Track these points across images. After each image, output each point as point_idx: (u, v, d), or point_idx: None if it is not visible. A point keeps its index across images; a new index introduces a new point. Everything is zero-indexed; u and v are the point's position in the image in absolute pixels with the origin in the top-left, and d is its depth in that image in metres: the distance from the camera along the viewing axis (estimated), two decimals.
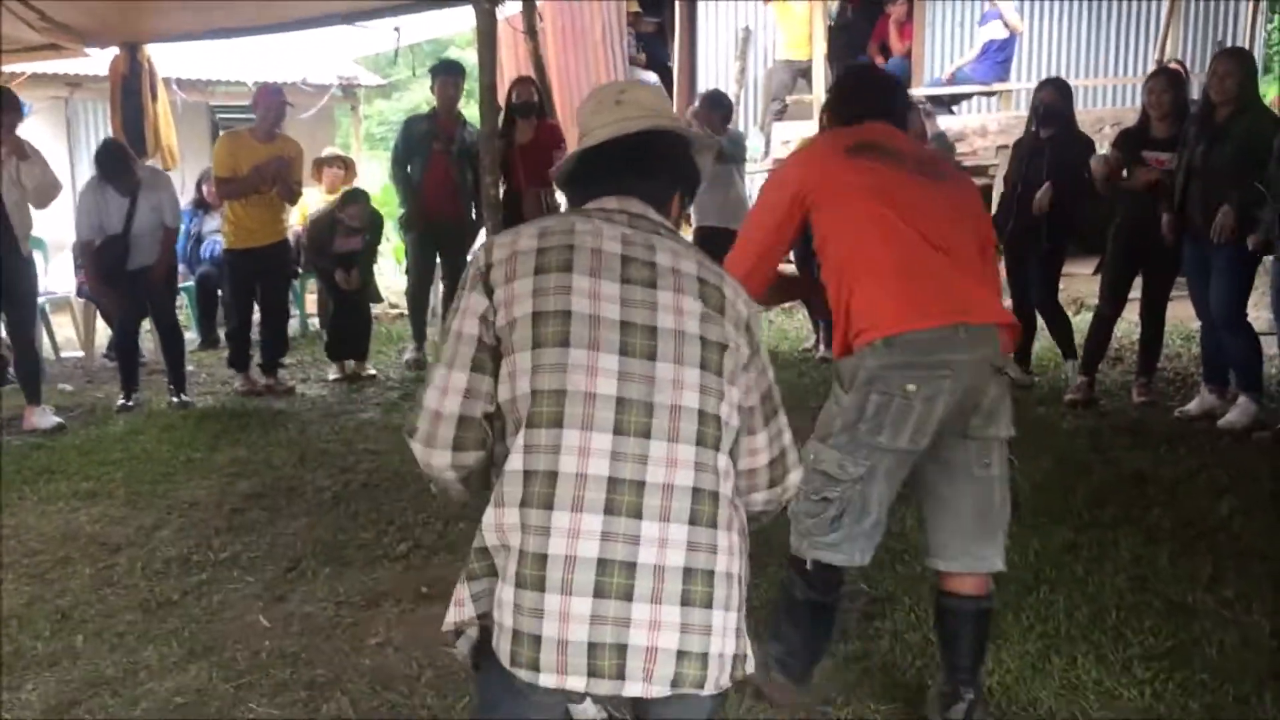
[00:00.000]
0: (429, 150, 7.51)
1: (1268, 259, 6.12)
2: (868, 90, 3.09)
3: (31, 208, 6.29)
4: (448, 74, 7.75)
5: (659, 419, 1.75)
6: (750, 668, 1.84)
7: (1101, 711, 2.93)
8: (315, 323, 8.97)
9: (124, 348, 6.90)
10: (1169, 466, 4.97)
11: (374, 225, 7.61)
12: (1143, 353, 6.27)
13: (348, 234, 7.39)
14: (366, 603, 3.81)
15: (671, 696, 1.74)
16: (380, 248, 7.90)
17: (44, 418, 6.28)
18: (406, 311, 8.26)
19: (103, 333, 8.51)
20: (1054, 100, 6.38)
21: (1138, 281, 6.15)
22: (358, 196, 7.63)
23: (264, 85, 7.39)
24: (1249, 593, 3.62)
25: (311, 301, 9.19)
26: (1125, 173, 5.95)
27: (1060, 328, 6.58)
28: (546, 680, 1.71)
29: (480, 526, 1.79)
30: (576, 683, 1.71)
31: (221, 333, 8.09)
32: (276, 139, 7.02)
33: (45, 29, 7.18)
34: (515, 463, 1.75)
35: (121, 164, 6.61)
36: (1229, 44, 10.53)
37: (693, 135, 2.09)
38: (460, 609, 1.83)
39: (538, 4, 8.54)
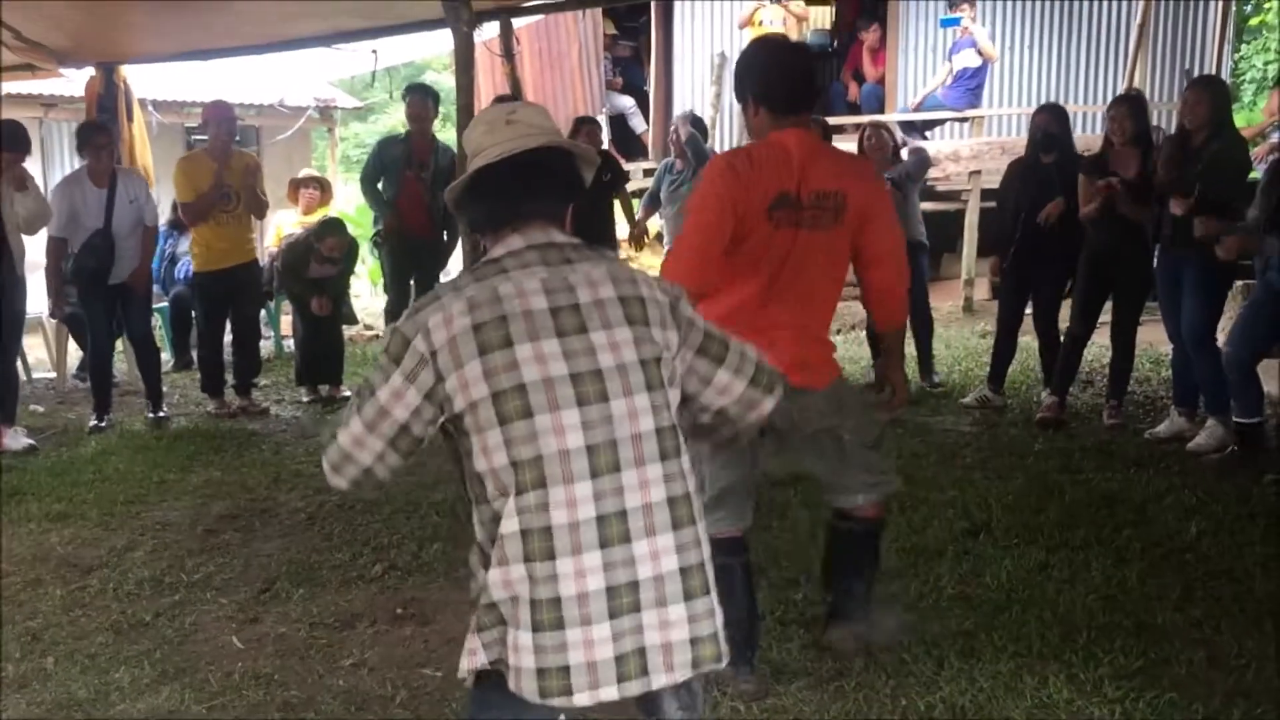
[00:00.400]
0: (401, 175, 7.54)
1: (1238, 283, 6.24)
2: (802, 79, 3.18)
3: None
4: (422, 94, 7.80)
5: (624, 451, 1.94)
6: (721, 651, 2.04)
7: None
8: (290, 344, 8.94)
9: (99, 367, 6.86)
10: (1138, 488, 5.02)
11: (349, 254, 7.63)
12: (1113, 376, 6.34)
13: (323, 262, 7.39)
14: (341, 624, 3.80)
15: (678, 686, 2.00)
16: (354, 272, 7.89)
17: (15, 439, 6.24)
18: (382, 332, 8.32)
19: (74, 354, 8.46)
20: (1052, 125, 6.45)
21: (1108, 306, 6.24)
22: (335, 229, 7.61)
23: (212, 104, 7.38)
24: (1217, 613, 3.66)
25: (287, 323, 9.16)
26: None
27: (1053, 353, 6.56)
28: (581, 700, 1.91)
29: (484, 586, 1.96)
30: (609, 694, 1.92)
31: (195, 354, 8.05)
32: (233, 156, 7.03)
33: (19, 48, 7.16)
34: (511, 525, 1.92)
35: (104, 132, 6.74)
36: (1196, 72, 10.71)
37: (577, 149, 2.17)
38: (474, 658, 1.99)
39: (515, 28, 8.57)
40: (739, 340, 2.19)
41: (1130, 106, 6.18)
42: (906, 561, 4.15)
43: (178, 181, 7.00)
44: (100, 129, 6.98)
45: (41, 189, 7.32)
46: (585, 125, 8.17)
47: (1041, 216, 6.26)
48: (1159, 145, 6.05)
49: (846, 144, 9.67)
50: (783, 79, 3.12)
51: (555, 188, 2.10)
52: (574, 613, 1.90)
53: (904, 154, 7.34)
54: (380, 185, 7.56)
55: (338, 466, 2.05)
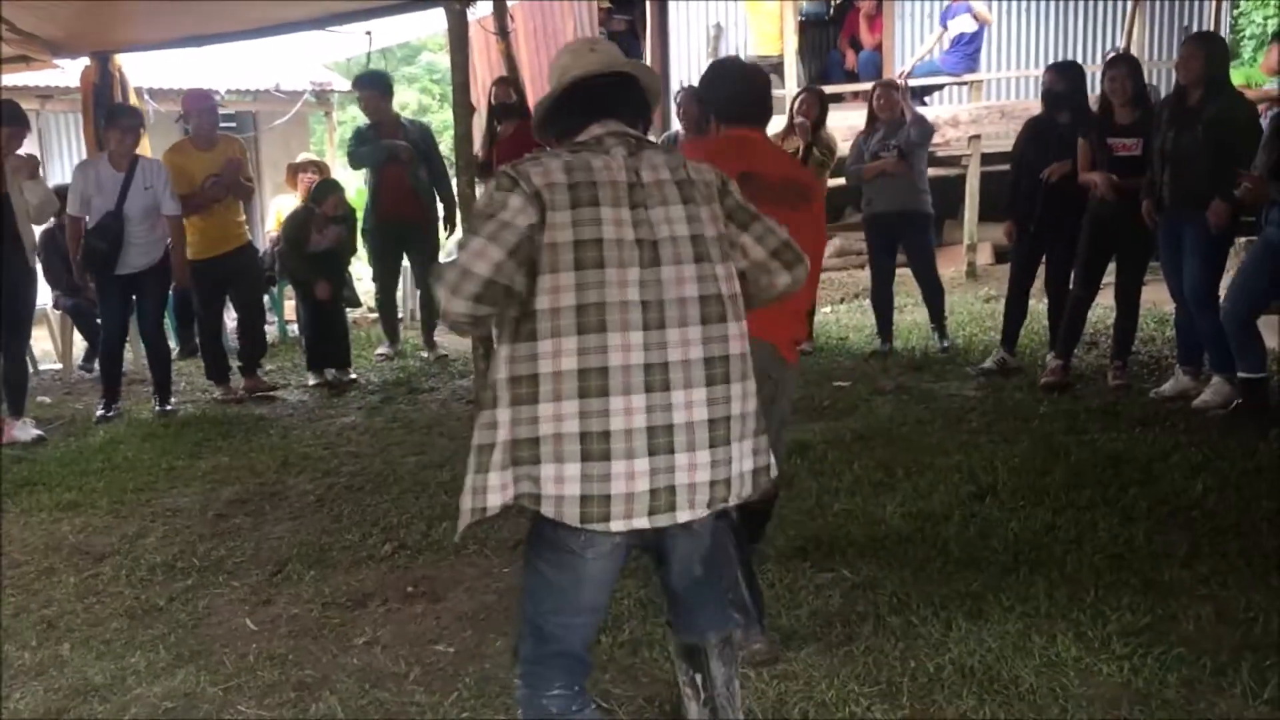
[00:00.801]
0: (378, 157, 7.60)
1: (1239, 240, 6.22)
2: (756, 101, 3.44)
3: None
4: (369, 87, 7.83)
5: (669, 311, 2.23)
6: (773, 473, 2.40)
7: (1081, 688, 2.97)
8: (294, 329, 8.96)
9: (109, 356, 6.86)
10: (1144, 447, 5.03)
11: (349, 219, 7.60)
12: (1117, 336, 6.33)
13: (323, 227, 7.36)
14: (353, 603, 3.82)
15: (691, 523, 2.27)
16: (356, 250, 7.88)
17: (24, 430, 6.26)
18: None
19: (79, 345, 8.49)
20: (1058, 82, 6.43)
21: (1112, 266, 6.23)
22: (334, 187, 7.64)
23: (191, 92, 7.36)
24: (1224, 568, 3.67)
25: (290, 308, 9.18)
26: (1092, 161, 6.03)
27: (1061, 315, 6.51)
28: (618, 526, 2.18)
29: (510, 423, 2.17)
30: (641, 522, 2.20)
31: (198, 342, 8.07)
32: (219, 142, 7.03)
33: (13, 40, 7.14)
34: (570, 364, 2.16)
35: (132, 115, 6.81)
36: (1195, 30, 10.64)
37: (647, 79, 2.51)
38: (500, 493, 2.20)
39: (509, 5, 8.54)
40: (773, 220, 2.47)
41: (1128, 66, 6.16)
42: (913, 526, 4.17)
43: (170, 174, 6.99)
44: (130, 111, 6.99)
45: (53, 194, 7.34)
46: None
47: (1044, 174, 6.24)
48: (1157, 105, 6.01)
49: (845, 112, 9.67)
50: (736, 99, 3.42)
51: (631, 100, 2.45)
52: (620, 446, 2.16)
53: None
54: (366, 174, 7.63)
55: (456, 287, 2.16)
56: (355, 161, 7.94)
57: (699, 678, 2.56)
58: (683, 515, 2.23)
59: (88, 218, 6.57)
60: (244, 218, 7.33)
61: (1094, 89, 10.29)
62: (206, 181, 6.85)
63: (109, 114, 6.94)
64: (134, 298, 6.79)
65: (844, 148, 7.70)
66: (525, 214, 2.19)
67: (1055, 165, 6.23)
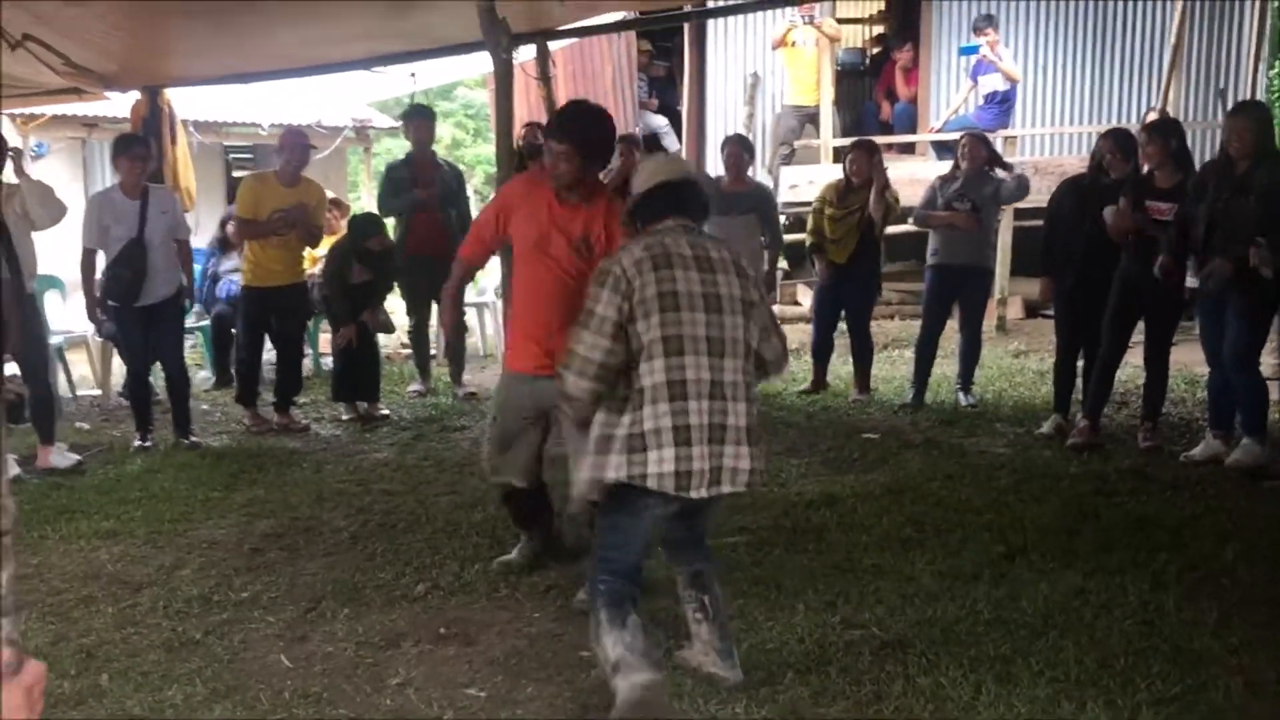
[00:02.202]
0: (411, 194, 7.72)
1: None
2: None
3: (35, 240, 6.38)
4: (421, 117, 7.97)
5: (729, 347, 3.21)
6: (763, 476, 3.33)
7: None
8: (328, 362, 9.06)
9: (137, 391, 6.95)
10: (1174, 511, 5.04)
11: (389, 254, 7.70)
12: (1147, 397, 6.35)
13: (366, 261, 7.42)
14: (386, 643, 3.87)
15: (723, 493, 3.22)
16: (393, 285, 7.97)
17: (61, 457, 6.34)
18: None
19: (118, 371, 8.60)
20: (1116, 150, 6.35)
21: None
22: (375, 222, 7.72)
23: (289, 129, 7.53)
24: (1254, 639, 3.67)
25: (325, 341, 9.28)
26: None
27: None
28: (697, 493, 3.15)
29: (629, 423, 3.13)
30: (702, 492, 3.15)
31: (234, 371, 8.18)
32: (300, 183, 7.16)
33: (67, 73, 7.31)
34: (660, 377, 3.13)
35: (142, 144, 6.84)
36: (1230, 91, 10.69)
37: (707, 186, 3.46)
38: (615, 471, 3.14)
39: (550, 50, 8.67)
40: (780, 329, 3.45)
41: (1159, 130, 6.20)
42: (943, 585, 4.18)
43: (241, 197, 7.18)
44: (138, 140, 7.00)
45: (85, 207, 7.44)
46: (622, 143, 8.28)
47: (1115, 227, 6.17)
48: (1200, 170, 6.00)
49: (908, 162, 9.73)
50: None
51: (693, 201, 3.46)
52: (697, 435, 3.12)
53: (998, 172, 7.38)
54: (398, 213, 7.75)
55: (581, 371, 3.17)
56: (386, 211, 8.04)
57: (706, 599, 3.43)
58: (725, 488, 3.19)
59: (101, 251, 6.63)
60: (304, 256, 7.43)
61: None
62: (273, 215, 6.96)
63: (118, 144, 6.87)
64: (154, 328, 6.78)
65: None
66: (613, 302, 3.16)
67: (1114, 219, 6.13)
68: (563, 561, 4.54)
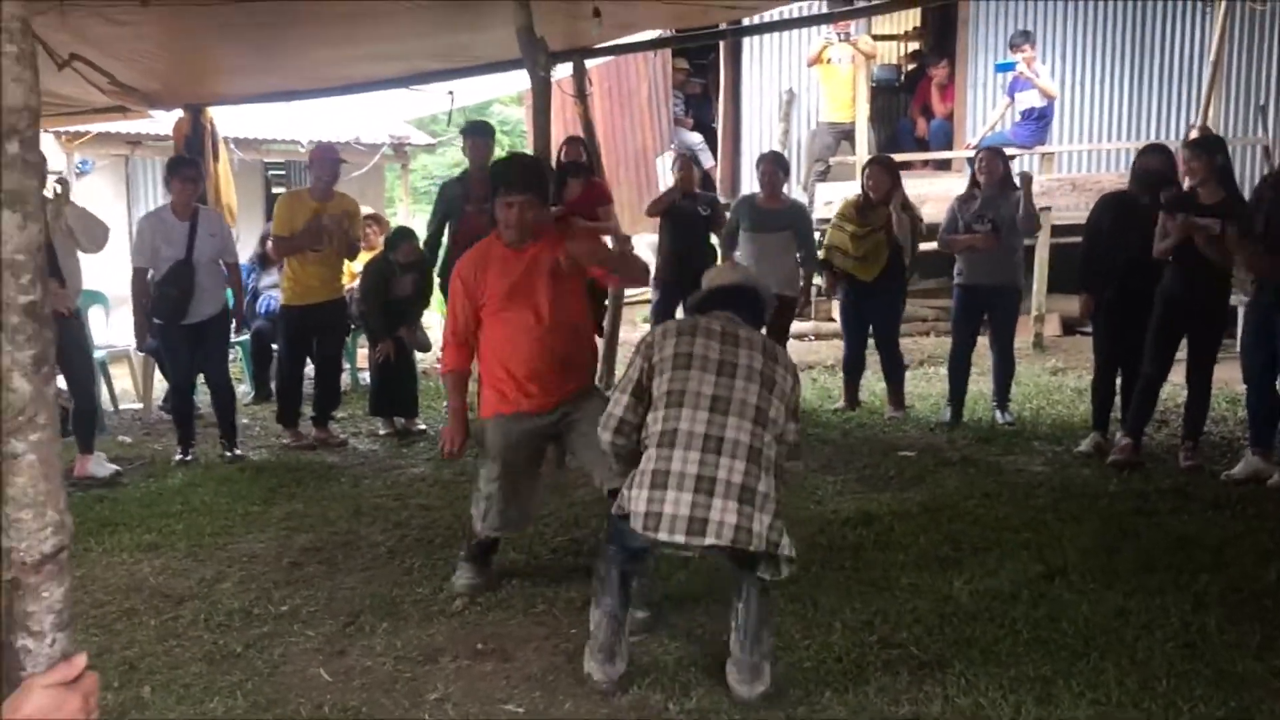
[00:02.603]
0: (462, 211, 7.72)
1: None
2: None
3: (81, 259, 6.48)
4: (479, 134, 7.98)
5: (733, 407, 3.39)
6: (782, 550, 3.37)
7: None
8: (365, 377, 9.13)
9: (180, 406, 7.04)
10: (1216, 531, 4.99)
11: (423, 266, 7.78)
12: (1188, 416, 6.28)
13: (402, 274, 7.54)
14: (424, 658, 3.89)
15: (734, 547, 3.32)
16: (430, 299, 8.03)
17: (100, 466, 6.44)
18: None
19: (160, 385, 8.71)
20: (1157, 165, 6.32)
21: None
22: (407, 234, 7.81)
23: (319, 145, 7.62)
24: None
25: (363, 356, 9.36)
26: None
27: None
28: (664, 536, 3.31)
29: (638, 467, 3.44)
30: (679, 537, 3.30)
31: (274, 386, 8.26)
32: (334, 198, 7.24)
33: (113, 91, 7.43)
34: (658, 426, 3.42)
35: (193, 165, 6.96)
36: (1270, 108, 10.60)
37: (765, 295, 3.92)
38: (620, 504, 3.45)
39: (587, 68, 8.72)
40: (797, 426, 3.66)
41: (1201, 147, 6.15)
42: (981, 604, 4.16)
43: (277, 215, 7.25)
44: (189, 162, 7.16)
45: (127, 226, 7.62)
46: (680, 161, 8.42)
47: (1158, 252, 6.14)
48: (1258, 186, 5.96)
49: (913, 180, 9.73)
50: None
51: (746, 302, 3.79)
52: (676, 483, 3.30)
53: (1016, 179, 7.34)
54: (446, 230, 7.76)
55: (604, 424, 3.62)
56: (430, 231, 8.02)
57: (741, 609, 3.49)
58: (709, 540, 3.30)
59: (153, 271, 6.73)
60: (342, 272, 7.51)
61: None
62: (307, 225, 7.05)
63: (170, 165, 7.01)
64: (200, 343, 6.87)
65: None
66: (637, 364, 3.59)
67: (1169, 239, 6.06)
68: None
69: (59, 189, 6.49)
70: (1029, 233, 7.26)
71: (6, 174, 1.19)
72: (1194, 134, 8.60)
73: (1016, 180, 7.30)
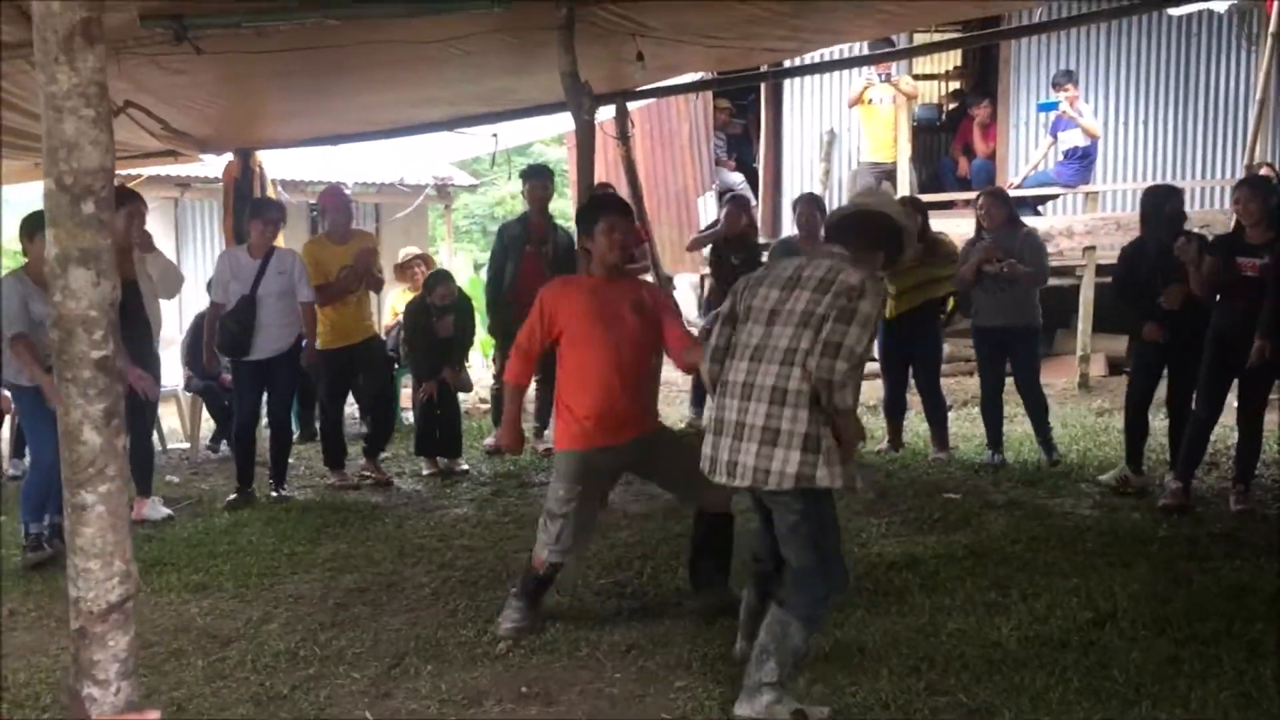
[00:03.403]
0: (521, 251, 7.81)
1: None
2: None
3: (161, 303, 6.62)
4: (538, 178, 8.06)
5: (767, 354, 3.50)
6: (820, 480, 3.42)
7: None
8: (409, 416, 9.19)
9: (244, 440, 7.08)
10: (1269, 577, 4.89)
11: (462, 308, 7.83)
12: (1240, 459, 6.18)
13: (441, 315, 7.61)
14: (469, 701, 3.89)
15: (757, 488, 3.52)
16: (473, 339, 8.09)
17: (155, 509, 6.52)
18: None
19: (207, 425, 8.81)
20: (1160, 206, 6.33)
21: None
22: (442, 278, 7.90)
23: (327, 189, 7.71)
24: None
25: (406, 396, 9.42)
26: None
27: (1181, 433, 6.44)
28: (717, 478, 3.60)
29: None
30: (722, 479, 3.56)
31: (318, 427, 8.33)
32: (353, 237, 7.35)
33: (166, 137, 7.59)
34: (726, 376, 3.62)
35: (277, 208, 7.17)
36: None
37: (886, 214, 3.79)
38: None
39: (629, 110, 8.81)
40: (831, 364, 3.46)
41: (1253, 187, 6.12)
42: (1030, 651, 4.10)
43: (306, 266, 7.29)
44: (273, 205, 7.36)
45: (176, 264, 7.69)
46: (731, 203, 8.54)
47: (1164, 303, 6.17)
48: None
49: (955, 219, 9.71)
50: None
51: (850, 232, 3.73)
52: (721, 429, 3.56)
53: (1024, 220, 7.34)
54: (506, 271, 7.83)
55: (707, 355, 3.74)
56: (491, 275, 8.09)
57: (761, 631, 3.57)
58: (741, 483, 3.51)
59: (226, 303, 6.87)
60: (372, 310, 7.61)
61: (1222, 203, 10.25)
62: (341, 273, 7.15)
63: (254, 207, 7.27)
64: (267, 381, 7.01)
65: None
66: (729, 304, 3.74)
67: (1175, 290, 6.14)
68: (645, 621, 4.55)
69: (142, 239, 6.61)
70: (1037, 284, 7.18)
71: (81, 233, 1.22)
72: (1264, 170, 8.52)
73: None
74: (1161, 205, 6.41)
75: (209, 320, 7.06)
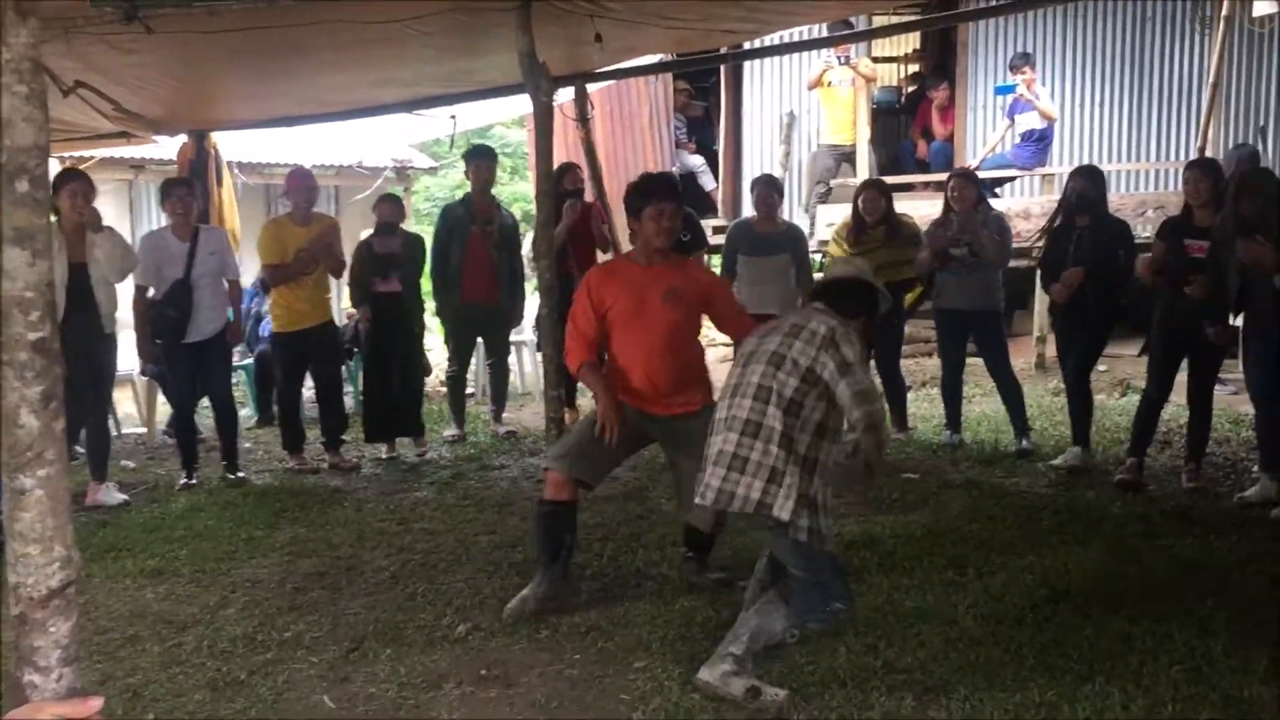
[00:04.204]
0: (467, 233, 7.76)
1: None
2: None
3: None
4: (481, 158, 8.04)
5: (741, 389, 3.65)
6: (776, 512, 3.50)
7: None
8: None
9: (183, 427, 7.06)
10: (1220, 555, 4.97)
11: (411, 240, 7.70)
12: (1191, 438, 6.28)
13: (383, 235, 7.49)
14: (428, 684, 3.88)
15: (720, 509, 3.69)
16: (420, 275, 7.89)
17: (109, 495, 6.45)
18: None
19: (163, 409, 8.72)
20: (1086, 188, 6.48)
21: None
22: (387, 198, 7.76)
23: (293, 171, 7.64)
24: None
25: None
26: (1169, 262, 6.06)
27: (1080, 409, 6.67)
28: (700, 500, 3.70)
29: None
30: (707, 502, 3.66)
31: (275, 410, 8.26)
32: (314, 220, 7.28)
33: (117, 118, 7.46)
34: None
35: (185, 185, 7.07)
36: (1269, 129, 10.63)
37: (862, 282, 3.93)
38: None
39: (588, 91, 8.76)
40: (853, 379, 3.62)
41: (1203, 168, 6.20)
42: (986, 629, 4.15)
43: (264, 246, 7.23)
44: (182, 183, 7.23)
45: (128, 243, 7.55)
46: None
47: (1058, 295, 6.36)
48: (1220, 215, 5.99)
49: (914, 201, 9.76)
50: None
51: (839, 294, 3.88)
52: (707, 460, 3.68)
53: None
54: (450, 254, 7.77)
55: None
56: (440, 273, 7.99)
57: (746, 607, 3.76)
58: (708, 502, 3.65)
59: (153, 289, 6.79)
60: (330, 294, 7.54)
61: (1172, 186, 10.36)
62: (298, 255, 7.08)
63: (162, 187, 7.11)
64: (201, 363, 6.91)
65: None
66: None
67: (1070, 273, 6.28)
68: (605, 603, 4.55)
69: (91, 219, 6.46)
70: (999, 263, 7.24)
71: (15, 212, 1.20)
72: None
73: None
74: (1067, 185, 6.71)
75: (137, 306, 6.88)
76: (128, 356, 8.81)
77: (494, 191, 8.30)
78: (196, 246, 6.75)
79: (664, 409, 4.57)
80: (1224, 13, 8.78)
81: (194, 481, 6.85)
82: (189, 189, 7.09)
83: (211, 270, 6.81)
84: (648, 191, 4.58)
